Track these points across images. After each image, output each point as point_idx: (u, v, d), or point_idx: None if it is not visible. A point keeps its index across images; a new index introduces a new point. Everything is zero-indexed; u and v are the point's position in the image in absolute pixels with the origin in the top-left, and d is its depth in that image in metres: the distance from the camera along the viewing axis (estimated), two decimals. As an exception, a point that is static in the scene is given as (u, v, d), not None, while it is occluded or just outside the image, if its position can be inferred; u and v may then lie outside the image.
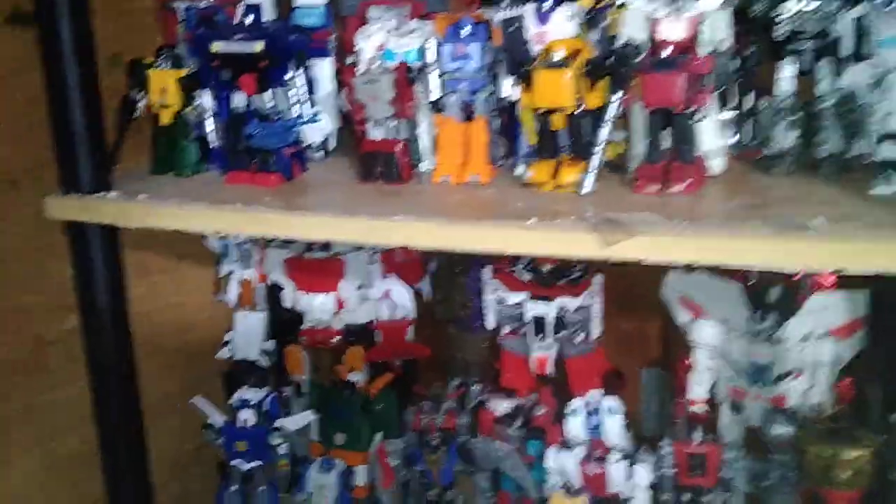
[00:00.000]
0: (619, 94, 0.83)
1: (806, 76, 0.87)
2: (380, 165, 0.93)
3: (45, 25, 0.88)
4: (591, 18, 0.91)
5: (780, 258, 0.66)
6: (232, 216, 0.84)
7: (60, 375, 1.12)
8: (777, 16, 0.85)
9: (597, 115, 0.86)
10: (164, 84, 0.97)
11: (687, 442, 1.03)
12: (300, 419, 1.18)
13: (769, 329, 1.04)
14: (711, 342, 1.08)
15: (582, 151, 0.87)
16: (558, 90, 0.84)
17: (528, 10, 0.91)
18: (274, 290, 1.24)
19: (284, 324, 1.25)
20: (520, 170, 0.88)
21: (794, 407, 1.04)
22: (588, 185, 0.84)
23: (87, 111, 0.89)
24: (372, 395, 1.18)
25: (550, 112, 0.87)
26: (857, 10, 0.80)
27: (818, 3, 0.83)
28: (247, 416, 1.16)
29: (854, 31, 0.80)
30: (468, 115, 0.92)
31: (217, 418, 1.16)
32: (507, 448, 1.10)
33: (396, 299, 1.19)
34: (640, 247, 0.70)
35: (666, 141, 0.84)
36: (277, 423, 1.16)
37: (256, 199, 0.88)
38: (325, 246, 1.20)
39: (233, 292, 1.24)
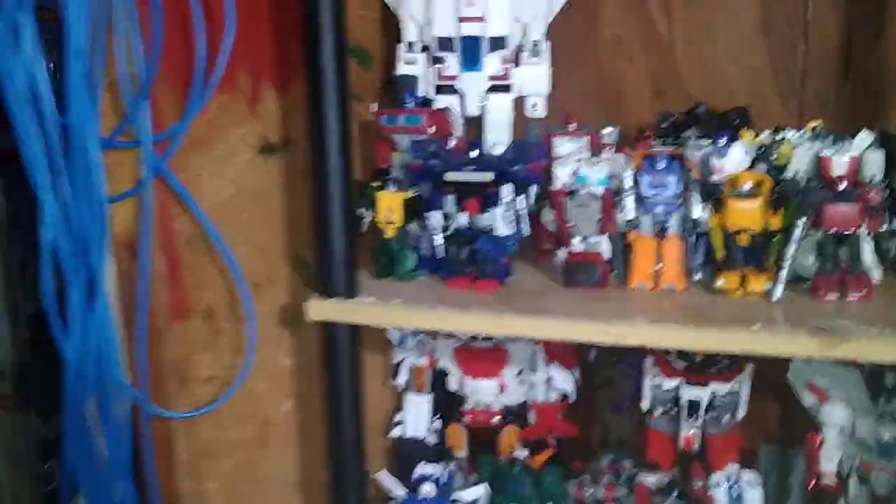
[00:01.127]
0: (804, 219, 1.02)
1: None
2: (583, 273, 1.11)
3: (316, 149, 1.04)
4: (763, 153, 1.10)
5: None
6: (482, 319, 1.01)
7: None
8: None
9: (774, 234, 1.05)
10: (390, 205, 1.14)
11: (828, 514, 1.18)
12: (474, 492, 1.31)
13: (892, 409, 1.20)
14: (840, 423, 1.23)
15: (762, 264, 1.05)
16: (750, 216, 1.03)
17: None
18: (440, 375, 1.39)
19: (447, 405, 1.40)
20: (718, 282, 1.05)
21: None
22: (778, 293, 1.02)
23: (346, 227, 1.05)
24: (537, 468, 1.32)
25: (737, 232, 1.05)
26: None
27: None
28: (428, 489, 1.29)
29: None
30: (660, 232, 1.10)
31: (400, 492, 1.30)
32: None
33: (559, 385, 1.34)
34: (853, 349, 0.87)
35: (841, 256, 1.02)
36: (454, 496, 1.30)
37: (490, 303, 1.04)
38: (489, 336, 1.35)
39: (403, 377, 1.39)
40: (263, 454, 1.26)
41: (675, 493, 1.27)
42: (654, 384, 1.27)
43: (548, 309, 1.02)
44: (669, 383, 1.26)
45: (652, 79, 1.39)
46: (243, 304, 1.12)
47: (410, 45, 1.26)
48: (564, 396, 1.36)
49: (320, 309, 1.06)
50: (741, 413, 1.25)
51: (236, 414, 1.19)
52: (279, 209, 1.19)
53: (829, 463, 1.24)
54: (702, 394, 1.24)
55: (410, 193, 1.15)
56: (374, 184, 1.17)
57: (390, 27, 1.31)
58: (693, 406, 1.24)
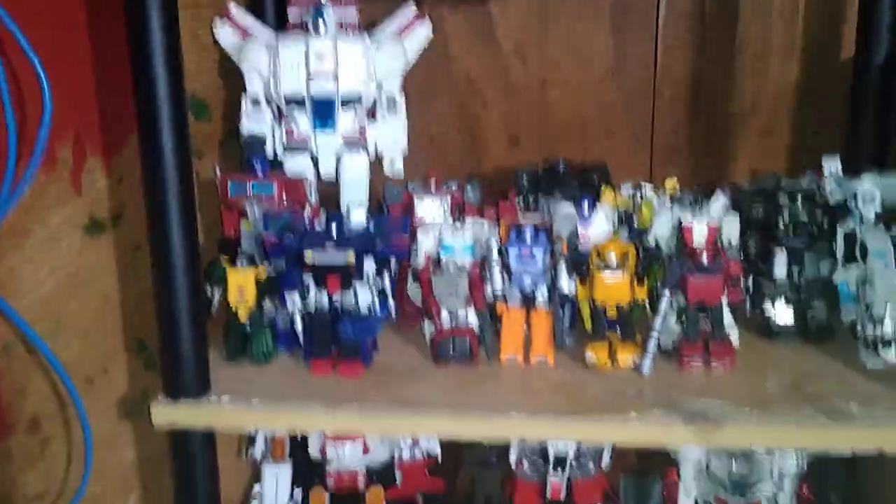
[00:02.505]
0: (668, 292, 1.02)
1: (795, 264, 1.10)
2: (453, 350, 1.06)
3: (154, 221, 0.92)
4: (625, 218, 1.10)
5: (834, 443, 0.87)
6: (350, 418, 0.94)
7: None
8: (775, 220, 1.08)
9: (642, 304, 1.05)
10: (242, 283, 1.05)
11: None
12: (341, 566, 1.25)
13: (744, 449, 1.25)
14: (696, 458, 1.27)
15: (629, 334, 1.05)
16: (617, 290, 1.03)
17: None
18: (298, 440, 1.31)
19: (308, 470, 1.33)
20: (588, 356, 1.04)
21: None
22: (647, 367, 1.02)
23: (193, 311, 0.94)
24: (406, 535, 1.28)
25: (605, 303, 1.04)
26: (847, 226, 1.03)
27: (807, 216, 1.07)
28: (290, 567, 1.23)
29: (842, 240, 1.04)
30: (528, 303, 1.07)
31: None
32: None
33: (424, 444, 1.30)
34: (728, 436, 0.88)
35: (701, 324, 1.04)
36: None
37: (359, 394, 0.98)
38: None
39: (259, 447, 1.30)
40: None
41: (543, 546, 1.27)
42: (521, 439, 1.25)
43: (419, 399, 0.97)
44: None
45: (506, 123, 1.36)
46: (73, 407, 0.99)
47: (255, 100, 1.15)
48: (431, 455, 1.32)
49: (167, 413, 0.96)
50: (606, 460, 1.26)
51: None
52: (112, 291, 1.07)
53: (685, 499, 1.28)
54: (567, 448, 1.24)
55: (264, 270, 1.05)
56: (224, 258, 1.07)
57: (228, 72, 1.20)
58: (559, 460, 1.24)
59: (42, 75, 0.87)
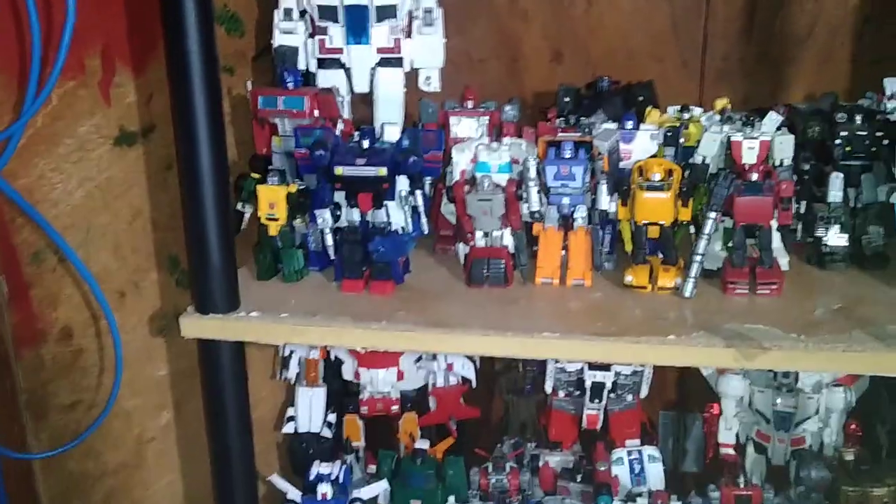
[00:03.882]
0: (714, 214, 0.97)
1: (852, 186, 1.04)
2: (487, 271, 1.03)
3: (182, 135, 0.89)
4: (670, 137, 1.05)
5: (884, 367, 0.82)
6: (380, 334, 0.92)
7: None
8: (832, 139, 1.01)
9: (686, 225, 1.00)
10: (273, 199, 1.02)
11: (734, 486, 1.19)
12: (376, 488, 1.25)
13: (788, 382, 1.20)
14: (738, 394, 1.24)
15: (671, 257, 1.00)
16: (659, 210, 0.98)
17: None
18: (333, 364, 1.30)
19: (342, 395, 1.32)
20: (627, 278, 1.00)
21: (813, 448, 1.21)
22: (689, 289, 0.98)
23: (222, 227, 0.93)
24: (439, 459, 1.27)
25: (646, 224, 1.00)
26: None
27: (865, 132, 1.00)
28: (325, 490, 1.22)
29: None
30: (566, 224, 1.03)
31: (295, 493, 1.22)
32: (578, 504, 1.22)
33: (459, 370, 1.28)
34: (771, 360, 0.84)
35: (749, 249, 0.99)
36: (355, 494, 1.23)
37: (389, 313, 0.95)
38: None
39: (294, 370, 1.30)
40: (140, 477, 1.15)
41: (579, 476, 1.25)
42: (558, 367, 1.23)
43: (449, 319, 0.95)
44: (572, 366, 1.22)
45: (550, 42, 1.30)
46: (106, 319, 0.99)
47: (288, 11, 1.12)
48: (465, 380, 1.30)
49: (197, 326, 0.95)
50: (644, 392, 1.23)
51: (106, 437, 1.07)
52: (144, 205, 1.05)
53: (727, 433, 1.25)
54: (605, 377, 1.21)
55: (295, 187, 1.03)
56: (254, 175, 1.05)
57: (264, -11, 1.17)
58: (596, 389, 1.22)
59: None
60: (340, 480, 1.23)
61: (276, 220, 1.04)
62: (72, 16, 0.87)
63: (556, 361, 1.21)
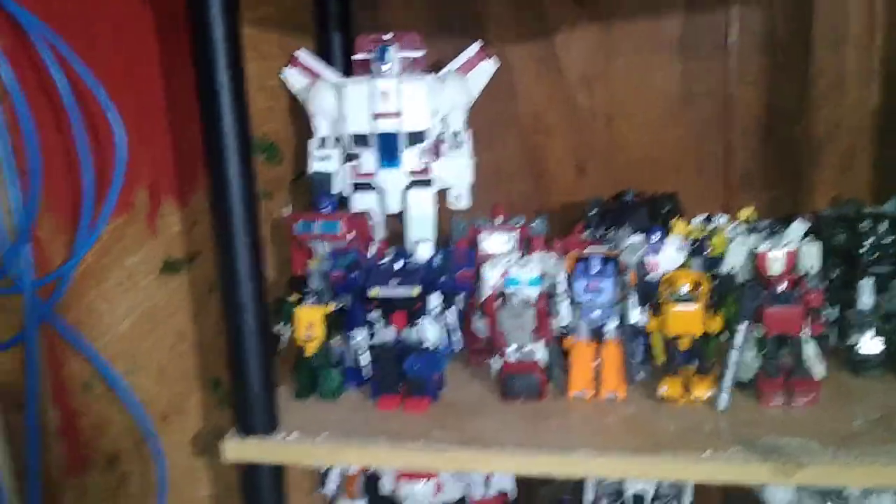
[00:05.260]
0: (745, 324, 0.98)
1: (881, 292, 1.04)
2: (520, 385, 1.04)
3: (223, 259, 0.93)
4: (697, 247, 1.07)
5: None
6: (416, 454, 0.93)
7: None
8: (859, 246, 1.03)
9: (716, 336, 1.01)
10: (310, 320, 1.06)
11: None
12: None
13: (836, 491, 1.18)
14: (784, 499, 1.21)
15: (705, 368, 1.01)
16: (690, 321, 0.99)
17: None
18: (371, 478, 1.31)
19: (381, 509, 1.32)
20: (661, 390, 1.01)
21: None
22: (724, 401, 0.98)
23: (262, 348, 0.96)
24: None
25: (677, 336, 1.01)
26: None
27: (891, 238, 1.02)
28: None
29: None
30: (597, 337, 1.05)
31: None
32: None
33: (497, 482, 1.27)
34: (810, 476, 0.83)
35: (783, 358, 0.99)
36: None
37: (426, 431, 0.97)
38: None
39: (332, 484, 1.30)
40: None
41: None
42: (599, 478, 1.22)
43: (485, 435, 0.96)
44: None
45: (574, 157, 1.34)
46: (149, 444, 1.01)
47: (323, 140, 1.18)
48: (503, 493, 1.30)
49: (239, 449, 0.97)
50: (686, 502, 1.21)
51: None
52: (188, 329, 1.09)
53: (776, 542, 1.21)
54: (647, 486, 1.20)
55: (332, 307, 1.06)
56: (292, 298, 1.08)
57: (300, 116, 1.23)
58: (638, 500, 1.20)
59: (118, 124, 0.91)
60: None
61: (313, 340, 1.07)
62: (123, 155, 0.93)
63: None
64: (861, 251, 1.03)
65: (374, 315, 1.05)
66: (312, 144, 1.18)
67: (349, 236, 1.08)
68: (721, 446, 0.89)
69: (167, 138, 1.05)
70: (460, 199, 1.19)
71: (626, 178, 1.29)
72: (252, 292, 0.95)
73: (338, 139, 1.18)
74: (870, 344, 1.04)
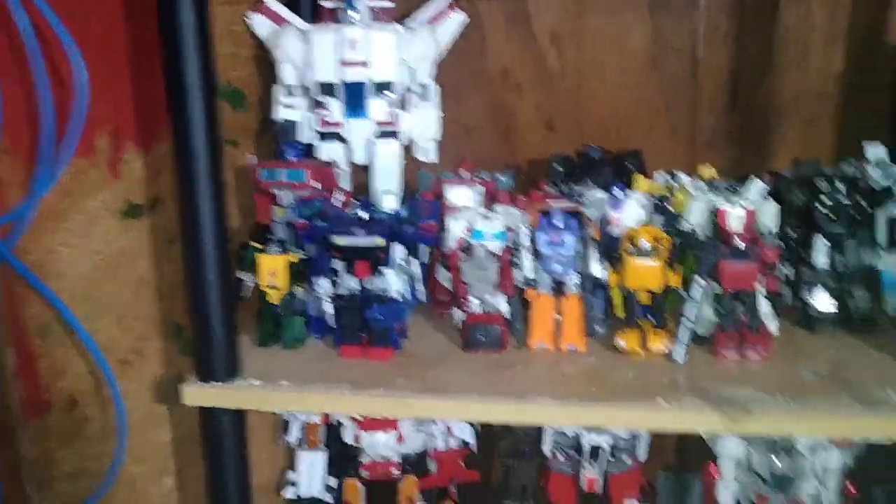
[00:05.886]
0: (702, 279, 1.00)
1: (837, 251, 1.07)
2: (482, 336, 1.06)
3: (185, 207, 0.93)
4: (659, 204, 1.08)
5: (872, 431, 0.84)
6: (378, 401, 0.94)
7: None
8: (816, 206, 1.05)
9: (675, 291, 1.03)
10: (273, 268, 1.06)
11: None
12: (374, 554, 1.25)
13: (785, 442, 1.21)
14: (736, 455, 1.24)
15: (662, 322, 1.03)
16: (649, 276, 1.01)
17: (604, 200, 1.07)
18: (333, 428, 1.32)
19: (342, 459, 1.33)
20: (619, 342, 1.03)
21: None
22: (680, 355, 1.00)
23: (224, 296, 0.95)
24: (440, 523, 1.27)
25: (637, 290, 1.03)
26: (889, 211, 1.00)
27: (847, 198, 1.04)
28: (325, 557, 1.23)
29: (885, 226, 1.00)
30: (559, 290, 1.06)
31: (296, 558, 1.23)
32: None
33: (458, 433, 1.29)
34: (759, 424, 0.85)
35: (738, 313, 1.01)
36: (354, 560, 1.24)
37: (388, 380, 0.98)
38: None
39: (294, 434, 1.31)
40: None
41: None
42: (556, 430, 1.24)
43: (447, 384, 0.97)
44: (570, 429, 1.23)
45: (542, 115, 1.35)
46: (109, 388, 1.01)
47: (289, 87, 1.16)
48: (465, 443, 1.31)
49: (198, 394, 0.97)
50: (642, 455, 1.24)
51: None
52: (149, 275, 1.09)
53: (725, 493, 1.25)
54: (602, 440, 1.22)
55: (295, 256, 1.06)
56: (255, 245, 1.08)
57: (266, 63, 1.22)
58: (595, 451, 1.23)
59: (79, 66, 0.89)
60: (340, 545, 1.24)
61: (276, 288, 1.07)
62: (84, 96, 0.91)
63: (553, 424, 1.23)
64: (817, 211, 1.05)
65: (339, 265, 1.05)
66: (278, 91, 1.16)
67: (314, 185, 1.07)
68: (676, 397, 0.91)
69: (131, 84, 1.04)
70: (427, 151, 1.19)
71: (595, 136, 1.29)
72: (215, 238, 0.95)
73: (304, 88, 1.17)
74: (823, 301, 1.06)
